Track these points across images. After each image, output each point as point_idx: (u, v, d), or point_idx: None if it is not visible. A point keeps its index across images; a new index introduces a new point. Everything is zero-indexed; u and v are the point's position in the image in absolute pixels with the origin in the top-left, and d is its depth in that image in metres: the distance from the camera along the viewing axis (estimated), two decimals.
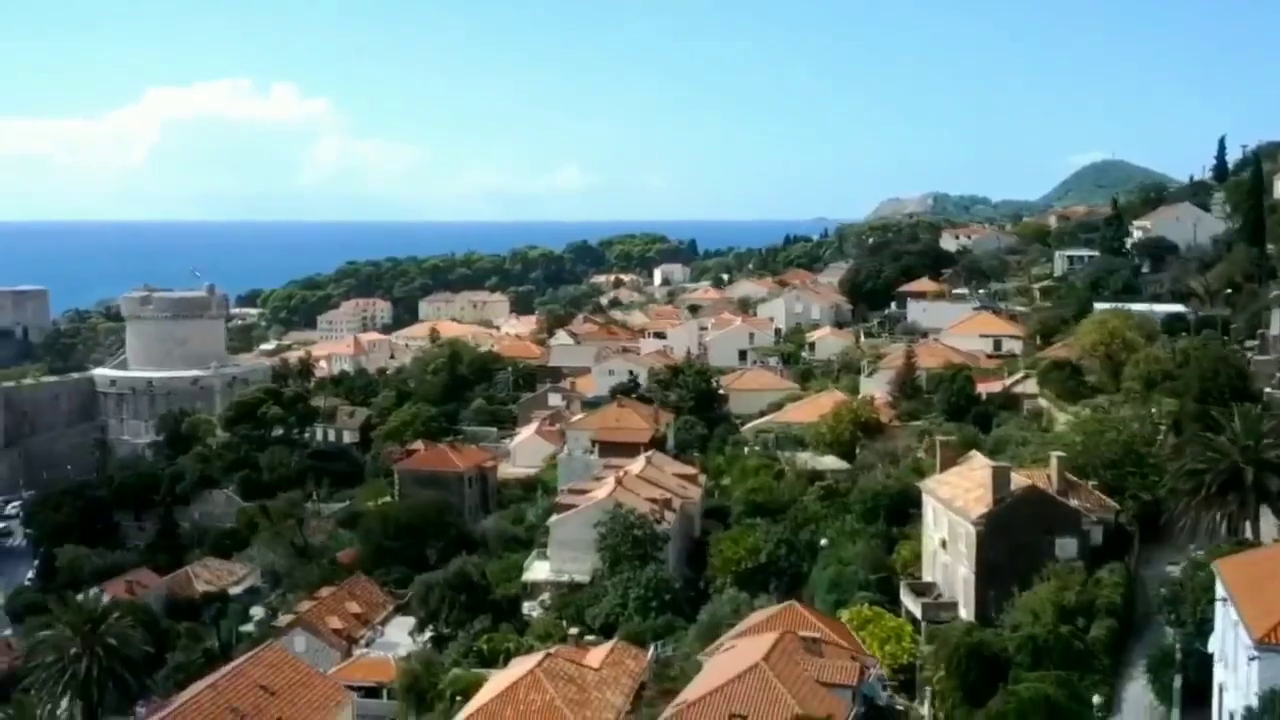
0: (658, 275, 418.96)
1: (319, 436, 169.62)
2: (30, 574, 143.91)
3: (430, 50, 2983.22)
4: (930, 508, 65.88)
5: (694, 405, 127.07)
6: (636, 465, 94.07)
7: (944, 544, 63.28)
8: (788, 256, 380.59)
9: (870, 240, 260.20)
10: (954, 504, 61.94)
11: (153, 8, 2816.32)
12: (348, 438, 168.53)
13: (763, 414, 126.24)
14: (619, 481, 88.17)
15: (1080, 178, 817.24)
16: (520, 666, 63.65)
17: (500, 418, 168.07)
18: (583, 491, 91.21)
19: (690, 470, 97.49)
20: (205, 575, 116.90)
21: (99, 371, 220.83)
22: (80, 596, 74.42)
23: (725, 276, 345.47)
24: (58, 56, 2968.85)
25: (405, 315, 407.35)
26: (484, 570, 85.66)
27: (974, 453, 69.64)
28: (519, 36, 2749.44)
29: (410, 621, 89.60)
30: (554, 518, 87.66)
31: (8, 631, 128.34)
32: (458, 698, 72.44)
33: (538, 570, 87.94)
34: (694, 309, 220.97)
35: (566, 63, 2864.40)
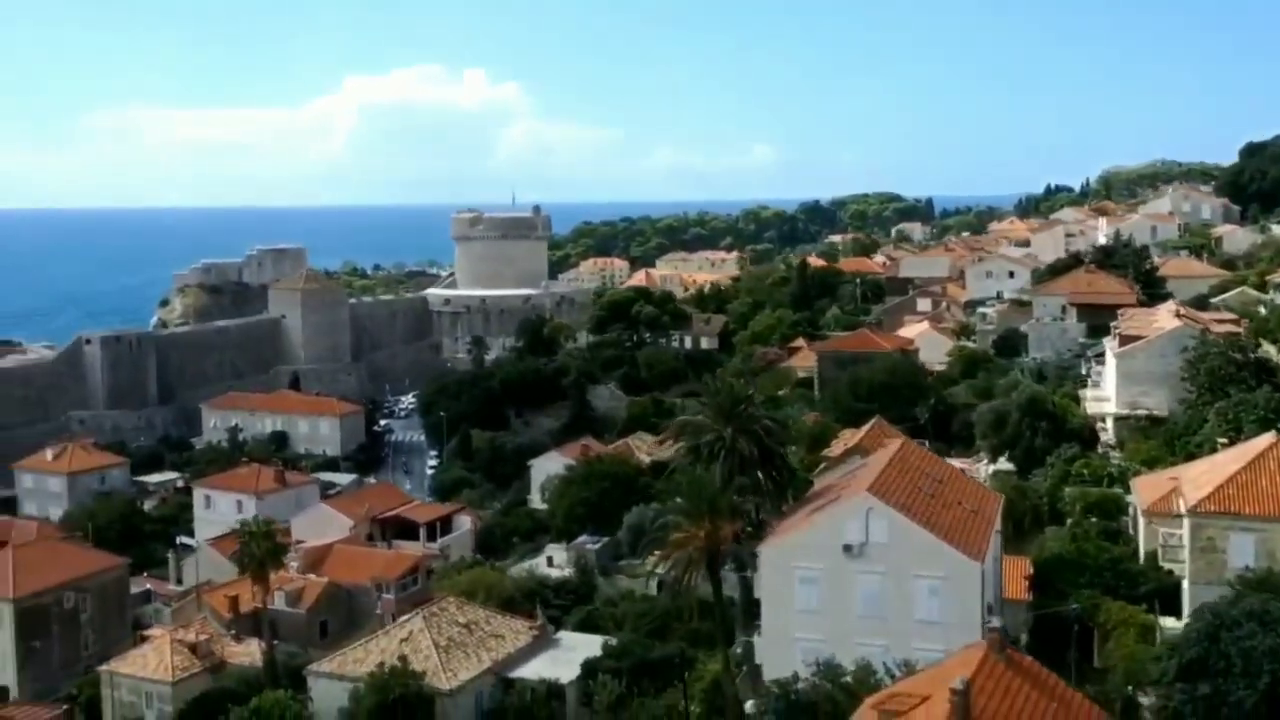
0: (894, 234, 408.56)
1: (674, 343, 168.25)
2: (433, 461, 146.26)
3: (618, 32, 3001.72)
4: None
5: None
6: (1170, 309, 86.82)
7: None
8: (1051, 206, 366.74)
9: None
10: None
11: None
12: (704, 343, 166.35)
13: (1204, 296, 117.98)
14: (1179, 314, 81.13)
15: None
16: (1239, 451, 57.69)
17: (857, 325, 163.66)
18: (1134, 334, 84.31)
19: (1228, 315, 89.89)
20: (643, 448, 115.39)
21: (432, 291, 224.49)
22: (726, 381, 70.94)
23: (966, 234, 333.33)
24: (261, 49, 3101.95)
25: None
26: (1052, 399, 79.80)
27: None
28: (705, 14, 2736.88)
29: None
30: (1117, 350, 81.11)
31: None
32: (1091, 517, 67.16)
33: (1096, 405, 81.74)
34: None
35: (758, 39, 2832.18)
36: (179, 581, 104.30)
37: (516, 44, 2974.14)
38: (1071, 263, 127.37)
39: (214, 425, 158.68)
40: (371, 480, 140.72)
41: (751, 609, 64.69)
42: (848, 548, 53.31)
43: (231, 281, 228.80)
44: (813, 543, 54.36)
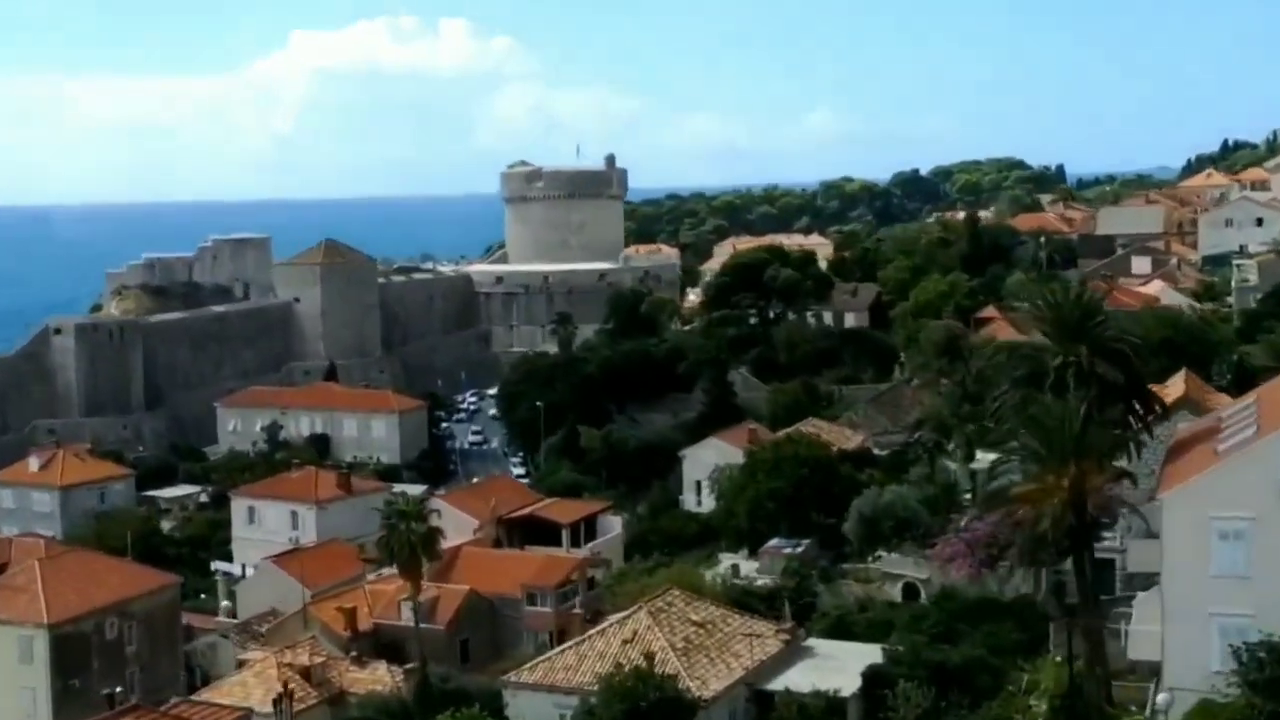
0: (1060, 193, 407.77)
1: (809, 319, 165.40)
2: (518, 468, 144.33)
3: None
4: None
5: None
6: None
7: None
8: (1230, 165, 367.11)
9: None
10: None
11: None
12: (850, 320, 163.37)
13: None
14: None
15: None
16: None
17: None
18: None
19: None
20: (823, 435, 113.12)
21: (478, 267, 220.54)
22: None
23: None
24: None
25: (695, 262, 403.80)
26: None
27: None
28: None
29: None
30: None
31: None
32: None
33: None
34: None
35: None
36: (233, 615, 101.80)
37: None
38: None
39: (233, 429, 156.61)
40: (442, 492, 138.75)
41: (1095, 594, 61.74)
42: None
43: (180, 282, 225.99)
44: (1237, 485, 51.23)
